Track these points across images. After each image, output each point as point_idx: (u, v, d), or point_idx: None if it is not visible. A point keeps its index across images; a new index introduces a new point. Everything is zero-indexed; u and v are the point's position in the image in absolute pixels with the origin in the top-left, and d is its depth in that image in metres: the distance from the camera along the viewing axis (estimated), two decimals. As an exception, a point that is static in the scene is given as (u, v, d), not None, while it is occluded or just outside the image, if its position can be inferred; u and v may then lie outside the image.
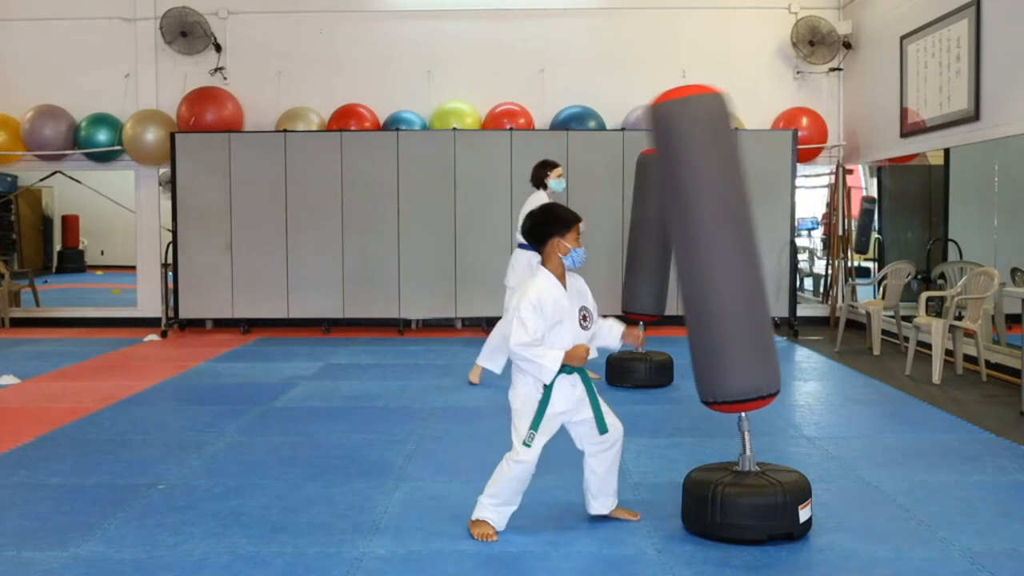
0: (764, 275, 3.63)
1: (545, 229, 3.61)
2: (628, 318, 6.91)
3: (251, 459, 4.86)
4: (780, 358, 3.70)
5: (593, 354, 3.64)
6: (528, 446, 3.55)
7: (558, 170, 6.66)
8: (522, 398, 3.60)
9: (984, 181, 8.17)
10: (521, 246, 6.65)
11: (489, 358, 6.80)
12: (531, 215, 3.71)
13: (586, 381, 3.63)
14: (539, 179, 6.66)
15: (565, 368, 3.53)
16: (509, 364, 6.79)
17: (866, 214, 10.84)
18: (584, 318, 3.62)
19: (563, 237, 3.59)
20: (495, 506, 3.65)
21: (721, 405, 3.61)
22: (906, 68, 8.91)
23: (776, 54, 10.52)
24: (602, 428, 3.65)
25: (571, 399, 3.60)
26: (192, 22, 10.26)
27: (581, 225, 3.68)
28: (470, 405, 6.26)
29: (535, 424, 3.55)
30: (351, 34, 10.55)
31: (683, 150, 3.52)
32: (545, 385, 3.54)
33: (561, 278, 3.62)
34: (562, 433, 3.71)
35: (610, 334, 3.73)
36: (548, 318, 3.51)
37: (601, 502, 3.80)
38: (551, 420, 3.60)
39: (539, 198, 6.59)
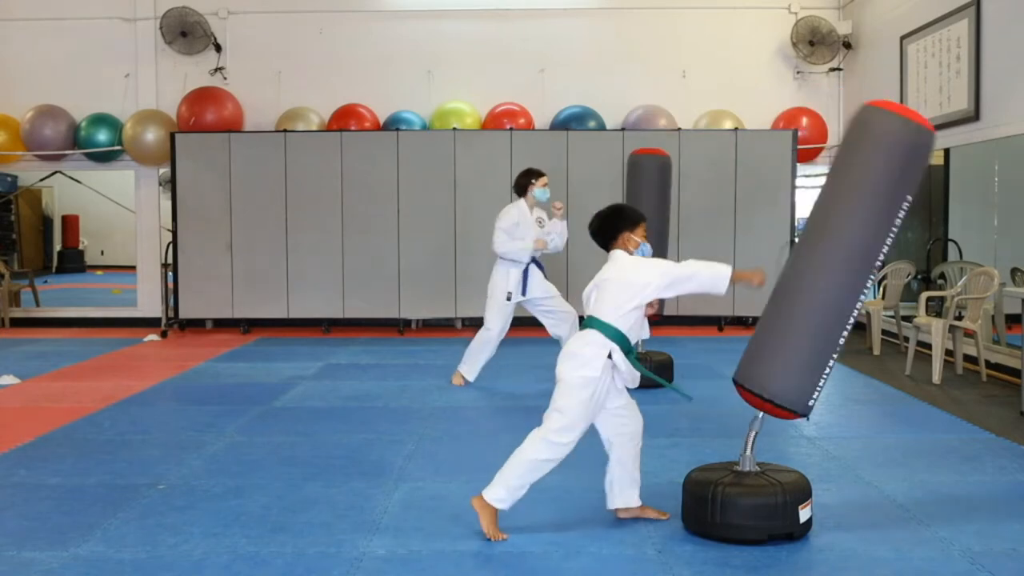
0: (854, 312, 3.56)
1: (617, 225, 3.80)
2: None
3: (251, 459, 4.86)
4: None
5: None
6: (689, 397, 4.00)
7: (543, 179, 6.61)
8: (590, 377, 3.60)
9: (984, 181, 8.17)
10: (501, 259, 6.67)
11: (464, 365, 6.83)
12: (600, 215, 3.87)
13: (633, 357, 3.70)
14: (522, 187, 6.63)
15: (633, 348, 3.67)
16: (507, 363, 6.81)
17: None
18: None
19: (633, 232, 3.79)
20: (514, 488, 3.61)
21: (746, 392, 3.57)
22: (906, 68, 8.91)
23: (776, 54, 10.52)
24: (685, 396, 3.88)
25: (623, 376, 3.68)
26: (192, 22, 10.26)
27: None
28: (470, 405, 6.27)
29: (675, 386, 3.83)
30: (351, 34, 10.55)
31: (893, 175, 3.41)
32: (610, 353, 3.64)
33: None
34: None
35: (719, 278, 3.77)
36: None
37: (627, 494, 3.79)
38: (602, 397, 3.65)
39: (518, 207, 6.57)
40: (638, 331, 3.73)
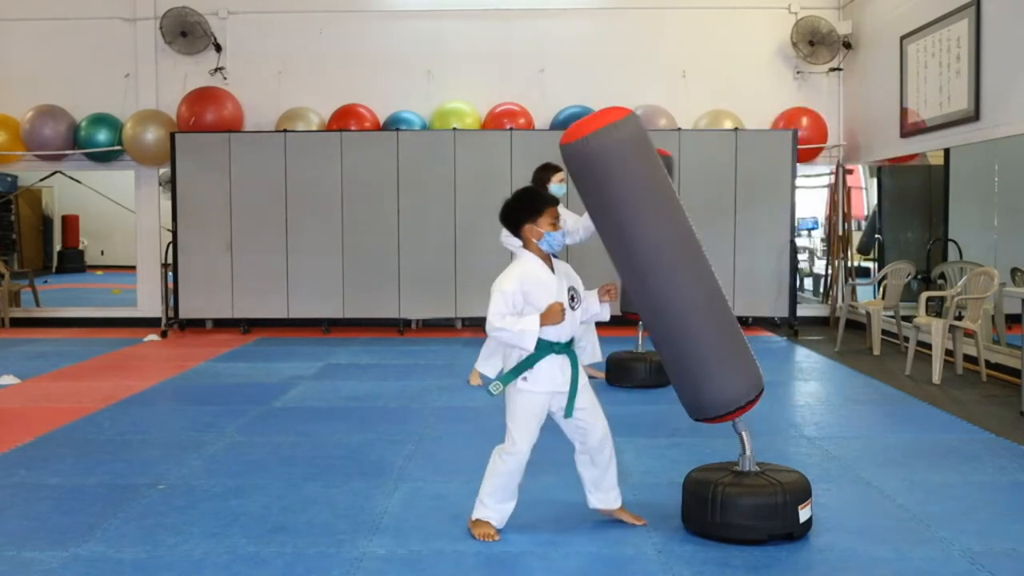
0: (714, 277, 3.54)
1: (518, 215, 3.61)
2: (627, 317, 6.92)
3: (251, 459, 4.86)
4: (760, 355, 3.70)
5: (577, 324, 3.62)
6: (491, 394, 3.55)
7: (560, 174, 6.60)
8: (519, 387, 3.55)
9: (984, 181, 8.17)
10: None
11: (484, 362, 6.81)
12: (505, 203, 3.68)
13: (574, 364, 3.58)
14: (540, 182, 6.62)
15: (555, 347, 3.51)
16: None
17: (871, 216, 10.84)
18: (572, 299, 3.61)
19: (535, 223, 3.56)
20: (494, 503, 3.64)
21: (713, 420, 3.60)
22: (906, 68, 8.91)
23: (776, 54, 10.52)
24: (568, 411, 3.56)
25: (556, 381, 3.55)
26: (192, 22, 10.26)
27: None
28: (470, 405, 6.26)
29: (505, 379, 3.53)
30: (351, 34, 10.55)
31: (609, 181, 3.36)
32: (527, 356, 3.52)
33: (546, 261, 3.61)
34: (561, 433, 3.70)
35: (590, 301, 3.69)
36: (534, 299, 3.50)
37: (599, 497, 3.76)
38: (538, 404, 3.55)
39: None
40: (564, 331, 3.54)
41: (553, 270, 3.61)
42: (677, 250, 3.47)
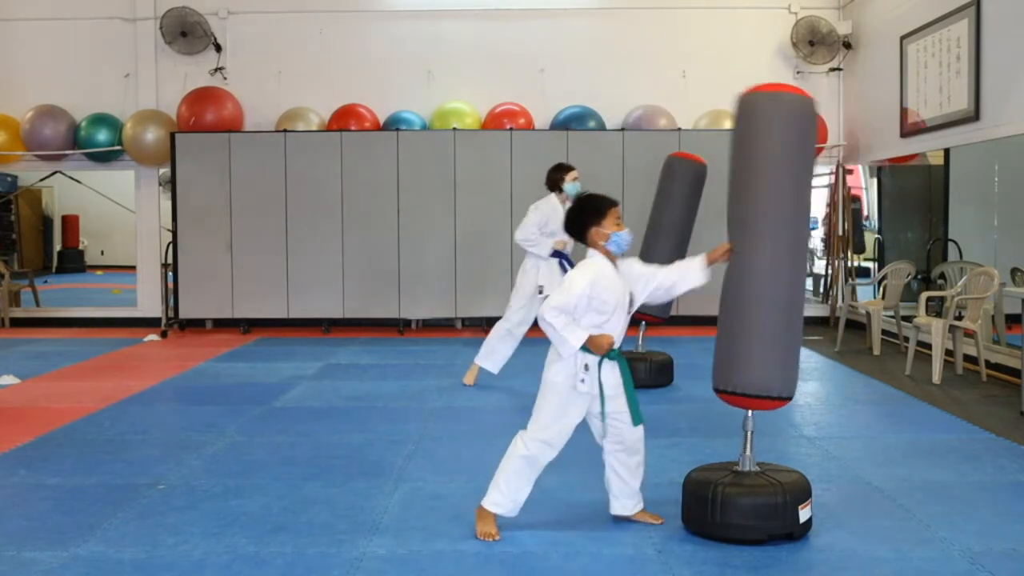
0: (804, 284, 3.68)
1: (583, 221, 3.63)
2: (634, 317, 6.91)
3: (251, 459, 4.86)
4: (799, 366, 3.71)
5: (625, 330, 3.67)
6: (642, 422, 3.60)
7: (573, 173, 6.63)
8: (556, 383, 3.57)
9: (984, 181, 8.18)
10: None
11: (487, 357, 6.81)
12: (567, 213, 3.73)
13: (624, 370, 3.61)
14: (554, 182, 6.63)
15: (610, 354, 3.54)
16: (508, 363, 6.81)
17: (854, 213, 10.80)
18: (629, 303, 3.65)
19: (600, 225, 3.59)
20: (508, 490, 3.61)
21: (732, 396, 3.61)
22: (906, 68, 8.91)
23: (776, 54, 10.52)
24: (636, 419, 3.63)
25: (608, 383, 3.58)
26: (192, 22, 10.26)
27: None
28: (470, 405, 6.26)
29: (632, 404, 3.59)
30: (351, 34, 10.55)
31: (766, 140, 3.53)
32: (586, 365, 3.53)
33: (612, 263, 3.63)
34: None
35: (690, 271, 3.68)
36: (599, 303, 3.51)
37: (622, 503, 3.78)
38: (580, 401, 3.58)
39: (549, 201, 6.59)
40: (614, 331, 3.57)
41: (618, 273, 3.63)
42: (796, 233, 3.58)
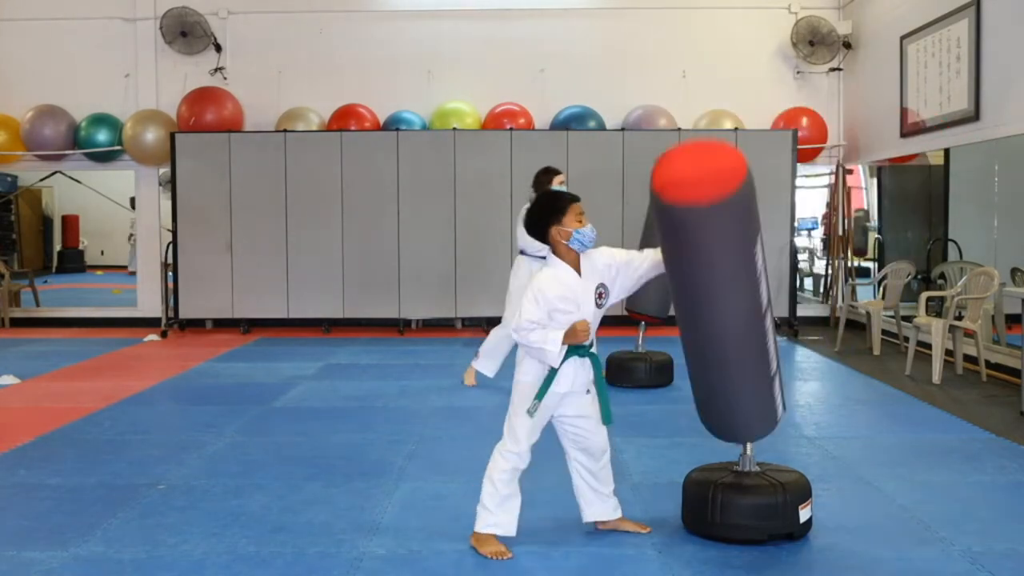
0: (770, 327, 3.47)
1: (542, 221, 3.46)
2: (631, 316, 6.92)
3: (251, 459, 4.85)
4: (783, 383, 3.67)
5: (598, 324, 3.51)
6: (530, 415, 3.41)
7: (560, 177, 6.63)
8: (526, 383, 3.47)
9: (984, 181, 8.17)
10: (523, 253, 6.66)
11: (485, 361, 6.81)
12: (527, 211, 3.59)
13: (596, 367, 3.50)
14: (541, 185, 6.64)
15: (578, 351, 3.42)
16: (505, 363, 6.80)
17: (856, 222, 10.80)
18: (600, 295, 3.49)
19: (560, 223, 3.42)
20: (498, 509, 3.49)
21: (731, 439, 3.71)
22: (906, 68, 8.91)
23: (776, 54, 10.52)
24: (607, 418, 3.52)
25: (575, 381, 3.47)
26: (192, 22, 10.26)
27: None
28: (470, 405, 6.26)
29: (539, 394, 3.40)
30: (351, 34, 10.55)
31: (701, 249, 3.20)
32: (552, 368, 3.42)
33: (575, 264, 3.45)
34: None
35: (647, 262, 3.52)
36: (557, 309, 3.37)
37: (595, 509, 3.67)
38: (549, 404, 3.46)
39: None
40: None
41: (580, 272, 3.46)
42: (751, 296, 3.31)
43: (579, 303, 3.43)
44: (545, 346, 3.34)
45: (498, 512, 3.50)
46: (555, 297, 3.38)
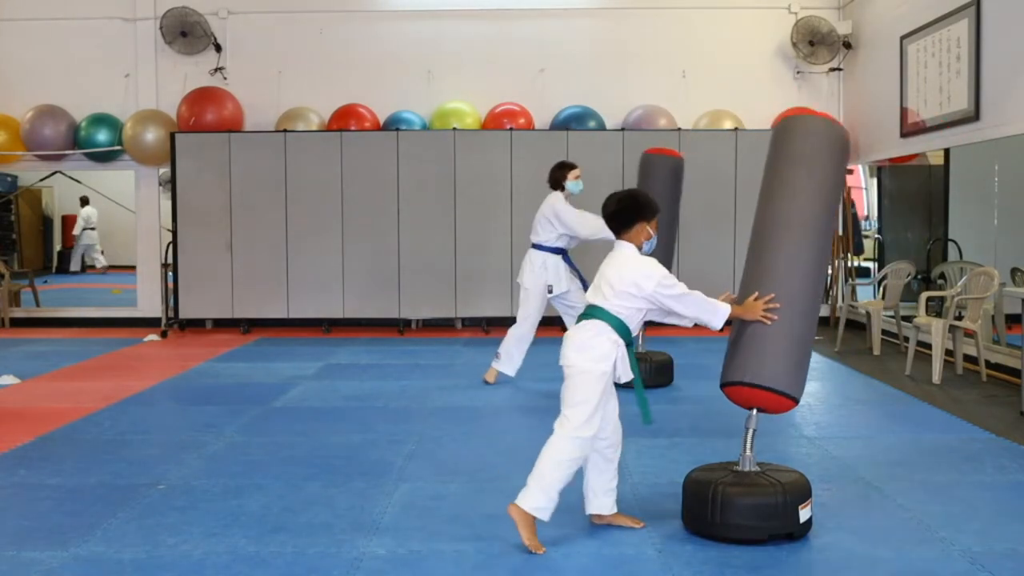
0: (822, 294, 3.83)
1: (635, 213, 3.66)
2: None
3: (251, 459, 4.85)
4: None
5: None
6: (649, 423, 3.70)
7: (576, 171, 6.64)
8: (596, 366, 3.52)
9: (984, 181, 8.18)
10: (535, 247, 6.65)
11: (504, 362, 6.80)
12: (619, 198, 3.71)
13: (635, 365, 3.60)
14: (557, 180, 6.63)
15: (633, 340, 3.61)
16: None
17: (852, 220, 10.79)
18: None
19: (649, 223, 3.68)
20: (555, 494, 3.51)
21: (740, 387, 3.56)
22: (906, 68, 8.91)
23: (776, 54, 10.52)
24: (647, 418, 3.70)
25: (626, 372, 3.60)
26: (192, 22, 10.26)
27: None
28: (470, 405, 6.26)
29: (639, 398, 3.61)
30: (351, 34, 10.55)
31: (811, 160, 3.67)
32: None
33: None
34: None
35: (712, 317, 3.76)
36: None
37: (601, 502, 3.74)
38: (607, 382, 3.57)
39: (555, 199, 6.58)
40: (638, 326, 3.68)
41: None
42: (822, 249, 3.70)
43: None
44: (719, 306, 3.57)
45: (549, 498, 3.52)
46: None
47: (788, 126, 3.80)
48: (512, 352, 6.80)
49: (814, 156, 3.67)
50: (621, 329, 3.57)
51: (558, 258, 6.61)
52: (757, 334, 3.56)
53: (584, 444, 3.54)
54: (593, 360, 3.53)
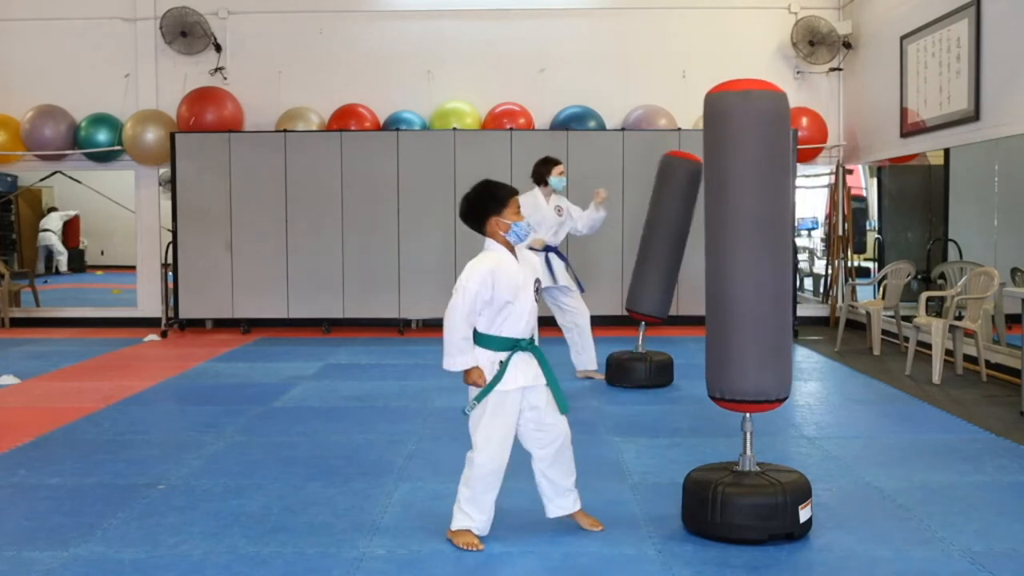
0: (791, 282, 3.64)
1: (481, 210, 3.54)
2: (631, 316, 6.92)
3: (251, 459, 4.85)
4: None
5: (536, 318, 3.60)
6: (466, 414, 3.52)
7: (559, 167, 6.64)
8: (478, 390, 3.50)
9: (984, 181, 8.17)
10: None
11: None
12: (465, 198, 3.59)
13: (542, 360, 3.53)
14: (540, 175, 6.65)
15: (520, 343, 3.48)
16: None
17: (857, 213, 10.81)
18: (536, 289, 3.59)
19: (500, 215, 3.51)
20: (474, 512, 3.54)
21: (728, 402, 3.61)
22: (906, 68, 8.91)
23: (776, 54, 10.52)
24: (562, 407, 3.54)
25: (526, 375, 3.50)
26: (192, 22, 10.26)
27: (532, 196, 3.62)
28: (470, 405, 6.25)
29: (480, 396, 3.46)
30: (351, 34, 10.55)
31: (735, 142, 3.49)
32: (500, 361, 3.47)
33: (511, 252, 3.57)
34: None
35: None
36: (500, 291, 3.45)
37: (557, 504, 3.68)
38: (508, 402, 3.48)
39: (534, 195, 6.60)
40: (527, 327, 3.51)
41: (517, 260, 3.57)
42: (776, 232, 3.54)
43: (517, 292, 3.49)
44: (454, 353, 3.42)
45: (474, 515, 3.55)
46: (480, 289, 3.45)
47: (718, 109, 3.57)
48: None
49: (751, 142, 3.49)
50: (483, 341, 3.49)
51: (541, 254, 6.61)
52: (731, 343, 3.54)
53: (481, 465, 3.51)
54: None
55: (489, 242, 3.58)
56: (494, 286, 3.45)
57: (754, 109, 3.49)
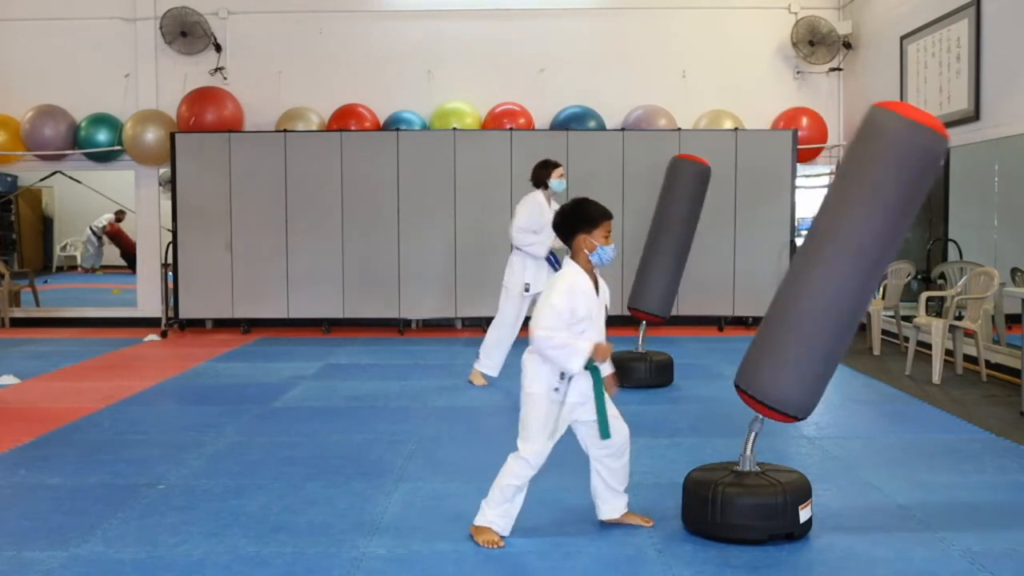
0: (861, 317, 3.55)
1: (572, 226, 3.56)
2: (633, 315, 6.93)
3: (251, 459, 4.85)
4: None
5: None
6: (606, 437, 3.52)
7: (559, 170, 6.64)
8: (538, 395, 3.51)
9: (984, 181, 8.17)
10: (516, 247, 6.67)
11: (485, 361, 6.82)
12: (561, 209, 3.65)
13: (597, 381, 3.53)
14: (540, 179, 6.64)
15: (586, 364, 3.46)
16: (506, 363, 6.81)
17: None
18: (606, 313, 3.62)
19: (589, 234, 3.52)
20: (500, 509, 3.57)
21: (748, 397, 3.57)
22: (906, 68, 8.91)
23: (776, 54, 10.53)
24: (604, 433, 3.54)
25: (584, 393, 3.54)
26: (192, 22, 10.26)
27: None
28: (470, 405, 6.26)
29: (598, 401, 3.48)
30: (351, 34, 10.55)
31: (882, 165, 3.33)
32: (561, 374, 3.48)
33: (591, 275, 3.56)
34: (566, 433, 3.70)
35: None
36: (577, 313, 3.46)
37: (611, 506, 3.76)
38: (563, 414, 3.54)
39: (534, 197, 6.60)
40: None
41: (597, 285, 3.57)
42: (875, 266, 3.43)
43: (592, 315, 3.52)
44: (578, 345, 3.40)
45: (500, 513, 3.58)
46: (566, 305, 3.44)
47: (878, 126, 3.37)
48: (492, 351, 6.81)
49: (894, 169, 3.32)
50: None
51: (539, 259, 6.62)
52: (781, 347, 3.49)
53: (525, 466, 3.52)
54: (527, 381, 3.55)
55: (567, 262, 3.59)
56: (569, 306, 3.46)
57: (919, 147, 3.33)
